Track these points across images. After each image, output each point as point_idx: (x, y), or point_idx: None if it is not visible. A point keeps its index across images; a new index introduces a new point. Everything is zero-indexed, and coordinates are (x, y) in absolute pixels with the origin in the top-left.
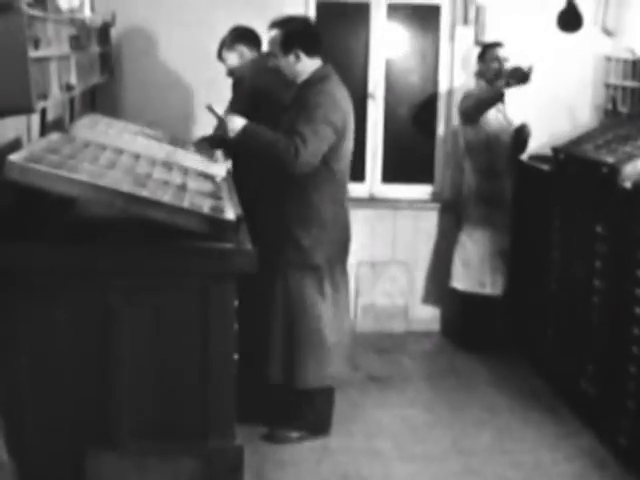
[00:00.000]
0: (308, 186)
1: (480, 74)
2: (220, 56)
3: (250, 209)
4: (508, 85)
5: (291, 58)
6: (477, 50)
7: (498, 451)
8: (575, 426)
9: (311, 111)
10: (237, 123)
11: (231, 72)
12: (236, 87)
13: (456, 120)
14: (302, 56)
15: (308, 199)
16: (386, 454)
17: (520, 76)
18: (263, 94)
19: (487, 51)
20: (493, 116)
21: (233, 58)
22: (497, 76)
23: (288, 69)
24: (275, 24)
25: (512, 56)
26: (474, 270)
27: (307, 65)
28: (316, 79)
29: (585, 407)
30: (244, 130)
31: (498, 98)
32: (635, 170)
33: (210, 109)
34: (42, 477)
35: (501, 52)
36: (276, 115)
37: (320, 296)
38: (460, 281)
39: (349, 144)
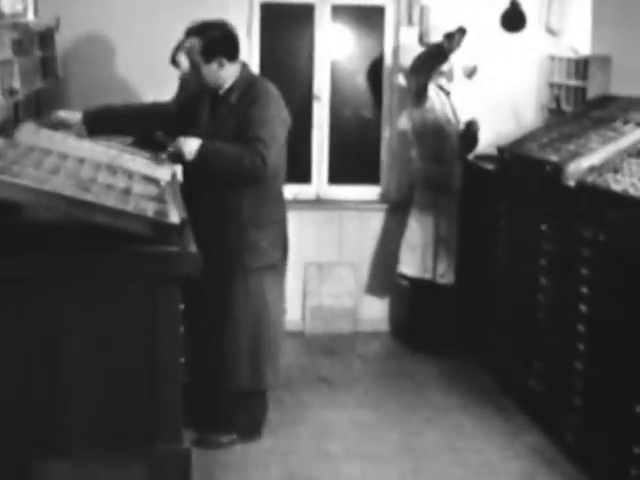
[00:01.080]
0: (259, 186)
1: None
2: (174, 61)
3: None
4: (448, 43)
5: (214, 66)
6: (421, 50)
7: (447, 450)
8: (523, 424)
9: (262, 113)
10: (192, 145)
11: (184, 79)
12: (183, 85)
13: (401, 123)
14: (225, 62)
15: (260, 199)
16: (335, 455)
17: (460, 34)
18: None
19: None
20: (439, 106)
21: (186, 62)
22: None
23: (211, 77)
24: (192, 32)
25: (457, 56)
26: (419, 254)
27: (231, 70)
28: (250, 81)
29: (533, 405)
30: (201, 150)
31: (441, 55)
32: (579, 169)
33: (159, 137)
34: None
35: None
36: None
37: (279, 295)
38: (407, 266)
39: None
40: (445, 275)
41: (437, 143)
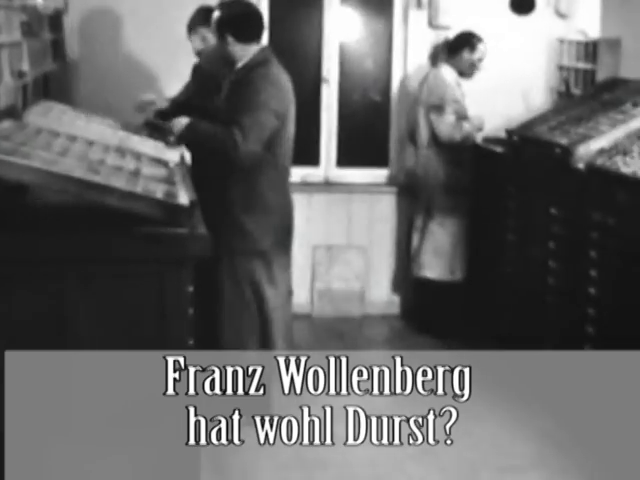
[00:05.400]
0: (251, 171)
1: (452, 64)
2: (190, 30)
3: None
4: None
5: (221, 41)
6: (431, 33)
7: (456, 433)
8: (534, 407)
9: (251, 98)
10: (181, 122)
11: (199, 53)
12: (195, 71)
13: (407, 103)
14: (231, 41)
15: (252, 184)
16: (345, 438)
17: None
18: (214, 81)
19: (464, 47)
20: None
21: (197, 41)
22: (472, 68)
23: (224, 51)
24: (219, 5)
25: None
26: (445, 258)
27: (244, 50)
28: (255, 63)
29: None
30: (187, 127)
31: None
32: (588, 151)
33: (150, 123)
34: None
35: (481, 47)
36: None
37: (268, 281)
38: (432, 269)
39: (291, 128)
40: (464, 271)
41: (457, 145)
